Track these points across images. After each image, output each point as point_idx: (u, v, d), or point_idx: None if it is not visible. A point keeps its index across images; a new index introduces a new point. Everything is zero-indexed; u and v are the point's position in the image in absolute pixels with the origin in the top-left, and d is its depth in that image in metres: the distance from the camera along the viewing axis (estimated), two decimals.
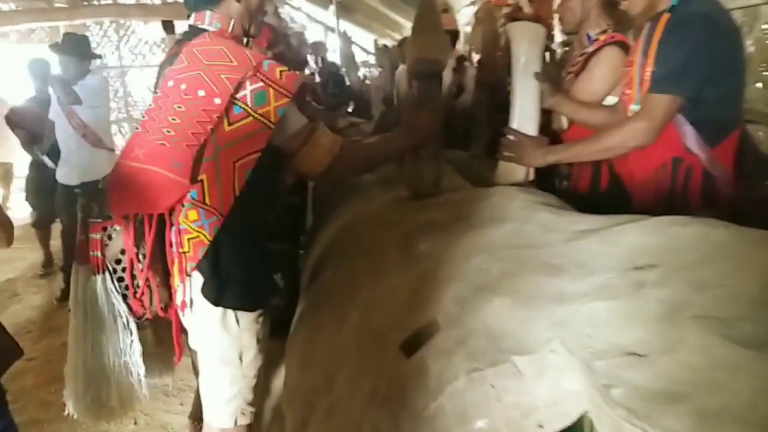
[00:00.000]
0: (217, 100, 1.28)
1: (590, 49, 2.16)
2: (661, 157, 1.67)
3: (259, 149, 1.32)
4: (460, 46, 3.75)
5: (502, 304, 0.88)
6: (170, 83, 1.36)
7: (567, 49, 3.96)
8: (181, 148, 1.30)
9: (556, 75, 2.29)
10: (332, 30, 8.23)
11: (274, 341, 1.76)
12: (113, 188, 1.43)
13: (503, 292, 0.91)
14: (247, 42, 1.57)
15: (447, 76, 3.36)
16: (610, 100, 2.12)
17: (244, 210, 1.36)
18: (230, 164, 1.31)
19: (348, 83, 4.22)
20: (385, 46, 5.38)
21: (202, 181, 1.32)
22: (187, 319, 1.46)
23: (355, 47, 6.34)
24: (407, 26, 7.93)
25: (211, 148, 1.30)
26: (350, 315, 1.28)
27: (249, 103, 1.30)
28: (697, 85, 1.58)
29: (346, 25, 8.31)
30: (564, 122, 2.25)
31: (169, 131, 1.32)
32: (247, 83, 1.30)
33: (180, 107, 1.32)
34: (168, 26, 3.28)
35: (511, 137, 1.81)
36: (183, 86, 1.33)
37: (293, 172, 1.51)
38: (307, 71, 4.13)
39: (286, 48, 2.61)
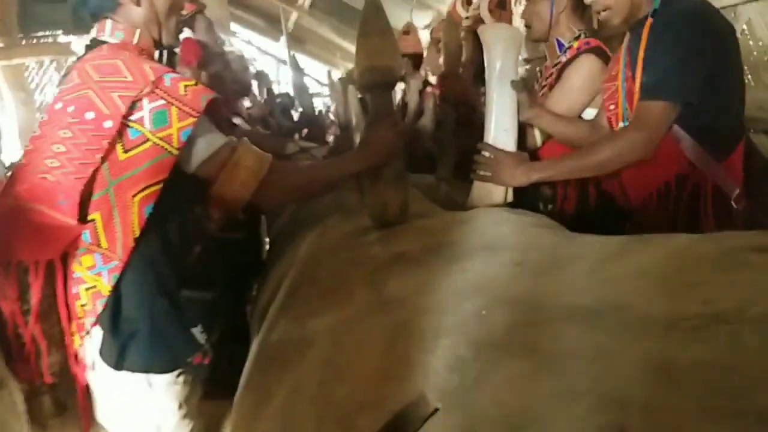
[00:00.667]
0: (108, 123, 1.08)
1: (564, 59, 1.97)
2: (662, 175, 1.47)
3: (162, 180, 1.11)
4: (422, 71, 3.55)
5: (523, 371, 0.61)
6: (57, 105, 1.15)
7: (528, 67, 3.85)
8: (67, 181, 1.10)
9: (530, 86, 2.08)
10: (284, 62, 8.01)
11: (220, 403, 1.48)
12: None
13: (520, 352, 0.64)
14: (162, 57, 1.35)
15: (413, 100, 3.15)
16: (589, 113, 1.93)
17: (148, 253, 1.16)
18: (128, 199, 1.10)
19: (300, 112, 3.96)
20: (340, 79, 5.19)
21: (94, 220, 1.11)
22: (93, 383, 1.24)
23: (308, 78, 6.09)
24: None
25: (103, 180, 1.10)
26: (305, 382, 0.98)
27: (147, 126, 1.09)
28: (693, 89, 1.40)
29: (298, 57, 8.11)
30: (538, 139, 2.04)
31: (53, 162, 1.11)
32: (145, 102, 1.09)
33: (66, 133, 1.10)
34: None
35: (487, 154, 1.57)
36: (70, 108, 1.11)
37: (219, 204, 1.26)
38: (248, 103, 3.85)
39: (223, 69, 2.33)
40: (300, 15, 7.60)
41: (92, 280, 1.15)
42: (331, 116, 4.23)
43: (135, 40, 1.23)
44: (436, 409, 0.63)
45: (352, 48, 8.09)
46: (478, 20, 2.51)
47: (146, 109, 1.09)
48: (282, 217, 2.47)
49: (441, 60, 2.82)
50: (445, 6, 5.12)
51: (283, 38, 8.35)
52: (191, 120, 1.11)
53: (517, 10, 3.79)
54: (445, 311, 0.80)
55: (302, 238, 1.70)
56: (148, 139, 1.09)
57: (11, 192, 1.16)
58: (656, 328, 0.58)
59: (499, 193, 1.61)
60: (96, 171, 1.09)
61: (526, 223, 1.10)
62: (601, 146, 1.48)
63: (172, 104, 1.10)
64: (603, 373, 0.57)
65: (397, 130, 1.45)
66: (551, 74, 2.03)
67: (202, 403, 1.45)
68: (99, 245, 1.13)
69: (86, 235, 1.13)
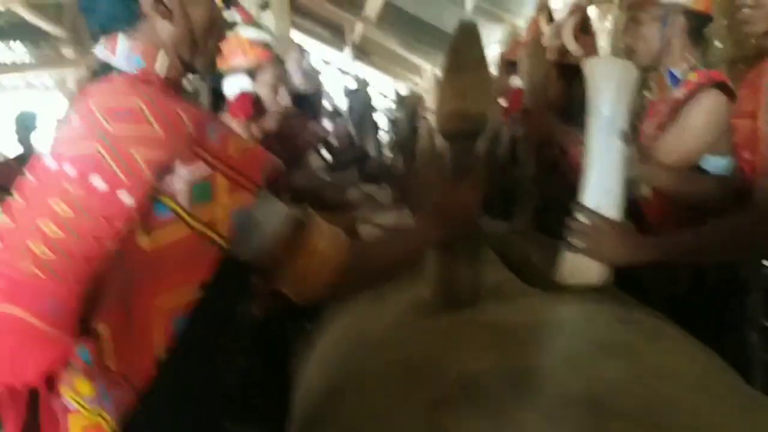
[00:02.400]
0: (126, 198, 0.75)
1: (679, 95, 1.60)
2: None
3: (200, 281, 0.77)
4: None
5: None
6: (50, 163, 0.81)
7: None
8: (61, 278, 0.75)
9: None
10: (347, 74, 7.82)
11: None
12: None
13: None
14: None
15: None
16: (711, 162, 1.56)
17: (177, 380, 0.81)
18: (149, 306, 0.77)
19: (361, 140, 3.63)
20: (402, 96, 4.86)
21: (98, 333, 0.77)
22: None
23: (372, 90, 5.66)
24: (428, 69, 7.47)
25: (117, 278, 0.77)
26: None
27: (182, 201, 0.77)
28: None
29: (361, 69, 7.93)
30: (645, 188, 1.68)
31: (41, 249, 0.76)
32: (179, 165, 0.77)
33: (61, 206, 0.76)
34: None
35: (585, 220, 1.23)
36: (68, 168, 0.77)
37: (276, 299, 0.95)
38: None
39: (285, 129, 1.97)
40: (365, 26, 7.39)
41: (90, 413, 0.80)
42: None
43: (159, 69, 0.89)
44: None
45: (417, 61, 7.80)
46: (563, 51, 2.14)
47: (181, 176, 0.77)
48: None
49: (515, 84, 2.50)
50: (520, 20, 4.74)
51: (347, 49, 8.20)
52: (245, 195, 0.79)
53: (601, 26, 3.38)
54: None
55: (346, 311, 1.40)
56: (181, 220, 0.77)
57: None
58: None
59: (595, 269, 1.27)
60: (105, 264, 0.76)
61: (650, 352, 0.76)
62: (741, 223, 1.12)
63: (219, 171, 0.78)
64: None
65: (479, 193, 1.16)
66: (660, 112, 1.66)
67: None
68: (104, 367, 0.79)
69: (85, 354, 0.78)
